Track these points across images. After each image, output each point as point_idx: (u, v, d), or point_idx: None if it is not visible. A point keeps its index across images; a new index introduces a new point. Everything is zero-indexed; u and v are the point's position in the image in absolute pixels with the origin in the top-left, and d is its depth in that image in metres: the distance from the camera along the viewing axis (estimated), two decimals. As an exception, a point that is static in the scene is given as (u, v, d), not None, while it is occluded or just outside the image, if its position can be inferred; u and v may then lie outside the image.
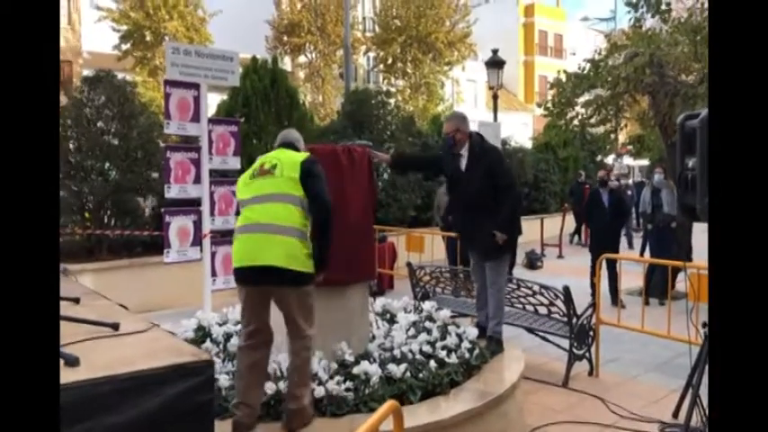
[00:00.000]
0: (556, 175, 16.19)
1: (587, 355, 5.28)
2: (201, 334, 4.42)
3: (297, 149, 3.36)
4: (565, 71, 8.67)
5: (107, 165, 7.51)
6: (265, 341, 3.20)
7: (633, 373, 5.43)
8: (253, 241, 3.03)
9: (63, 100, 7.78)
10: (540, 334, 5.33)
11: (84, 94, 7.60)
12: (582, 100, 8.42)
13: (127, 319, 2.42)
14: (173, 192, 5.73)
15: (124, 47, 21.69)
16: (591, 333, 5.29)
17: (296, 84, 27.23)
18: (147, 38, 20.90)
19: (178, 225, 5.79)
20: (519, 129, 30.47)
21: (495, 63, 11.78)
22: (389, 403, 1.83)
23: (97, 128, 7.47)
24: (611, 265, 7.64)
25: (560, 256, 12.77)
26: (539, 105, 9.32)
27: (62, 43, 25.34)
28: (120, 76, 8.54)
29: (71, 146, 7.45)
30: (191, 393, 1.91)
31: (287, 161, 3.14)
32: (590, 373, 5.30)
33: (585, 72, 8.16)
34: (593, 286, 7.58)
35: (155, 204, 8.33)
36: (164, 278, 7.25)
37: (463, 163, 4.64)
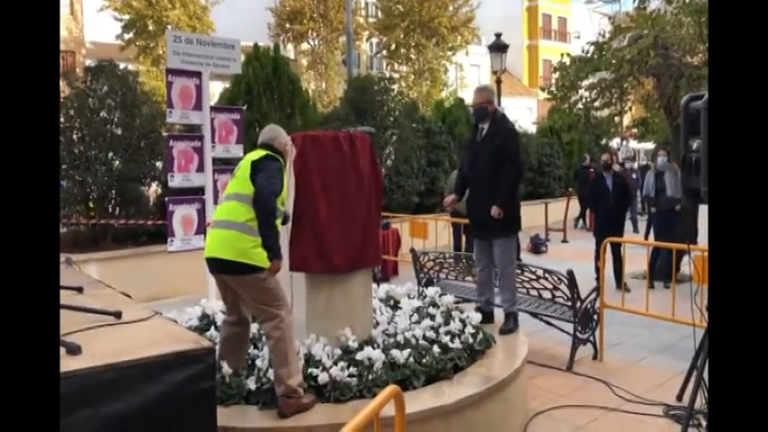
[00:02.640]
0: (560, 160, 16.11)
1: (591, 339, 5.28)
2: (206, 322, 4.43)
3: (273, 148, 3.45)
4: (568, 54, 8.59)
5: (110, 154, 7.51)
6: (239, 320, 3.49)
7: (638, 356, 5.43)
8: (209, 236, 3.36)
9: (66, 90, 7.77)
10: (544, 318, 5.33)
11: (87, 84, 7.59)
12: (586, 83, 8.36)
13: (130, 307, 2.44)
14: (176, 181, 5.74)
15: (127, 36, 21.67)
16: (595, 317, 5.28)
17: (299, 71, 27.17)
18: (150, 27, 20.88)
19: (182, 214, 5.81)
20: (523, 113, 30.35)
21: (499, 47, 11.68)
22: (390, 388, 1.83)
23: (100, 117, 7.46)
24: (616, 249, 7.61)
25: (565, 241, 12.76)
26: (542, 89, 9.27)
27: (64, 33, 25.36)
28: (122, 65, 8.52)
29: (74, 136, 7.44)
30: (192, 380, 1.92)
31: (245, 162, 3.35)
32: (594, 357, 5.30)
33: (589, 55, 8.09)
34: (598, 270, 7.58)
35: (159, 193, 8.34)
36: (168, 267, 7.28)
37: (481, 136, 4.81)
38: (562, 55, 8.64)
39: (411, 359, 3.65)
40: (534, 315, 5.37)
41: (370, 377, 3.45)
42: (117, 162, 7.55)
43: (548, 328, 5.39)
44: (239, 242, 3.15)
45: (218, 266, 3.24)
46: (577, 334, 5.12)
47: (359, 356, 3.59)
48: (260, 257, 3.18)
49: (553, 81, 8.78)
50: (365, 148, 4.13)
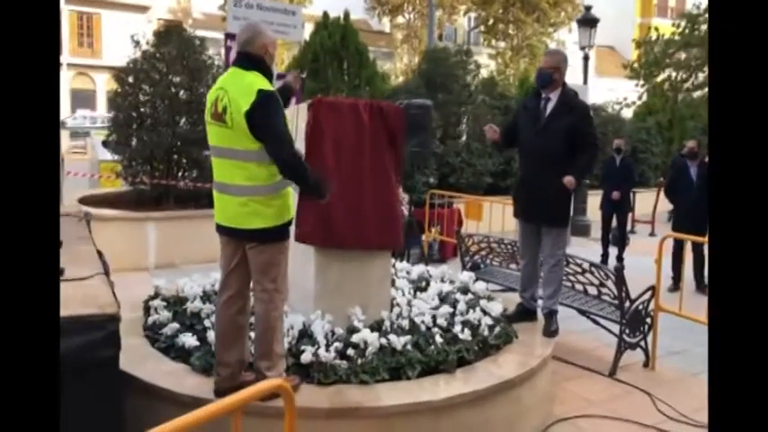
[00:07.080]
0: (658, 147, 14.79)
1: (642, 344, 4.75)
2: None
3: (250, 61, 2.86)
4: (656, 28, 7.76)
5: (176, 117, 7.67)
6: (237, 294, 3.00)
7: (697, 369, 4.82)
8: (216, 200, 2.99)
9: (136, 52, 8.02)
10: (592, 317, 4.84)
11: (156, 48, 7.78)
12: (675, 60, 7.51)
13: (82, 267, 2.35)
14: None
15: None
16: (648, 320, 4.74)
17: (393, 45, 26.91)
18: (248, -2, 21.35)
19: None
20: (630, 95, 28.47)
21: (587, 21, 10.90)
22: (274, 382, 1.58)
23: (167, 80, 7.64)
24: (698, 247, 6.83)
25: (652, 234, 11.82)
26: (624, 67, 8.43)
27: (173, 4, 26.65)
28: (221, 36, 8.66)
29: (142, 97, 7.68)
30: (90, 347, 1.79)
31: (235, 105, 2.73)
32: (645, 365, 4.77)
33: (681, 29, 7.24)
34: (676, 268, 6.86)
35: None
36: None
37: (549, 108, 4.25)
38: (649, 29, 7.84)
39: (409, 346, 3.38)
40: (582, 312, 4.89)
41: (359, 361, 3.21)
42: (181, 124, 7.72)
43: (598, 327, 4.89)
44: (255, 206, 2.82)
45: (246, 236, 2.87)
46: (624, 337, 4.61)
47: (354, 339, 3.36)
48: (289, 213, 2.95)
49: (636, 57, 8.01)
50: (393, 120, 3.82)
